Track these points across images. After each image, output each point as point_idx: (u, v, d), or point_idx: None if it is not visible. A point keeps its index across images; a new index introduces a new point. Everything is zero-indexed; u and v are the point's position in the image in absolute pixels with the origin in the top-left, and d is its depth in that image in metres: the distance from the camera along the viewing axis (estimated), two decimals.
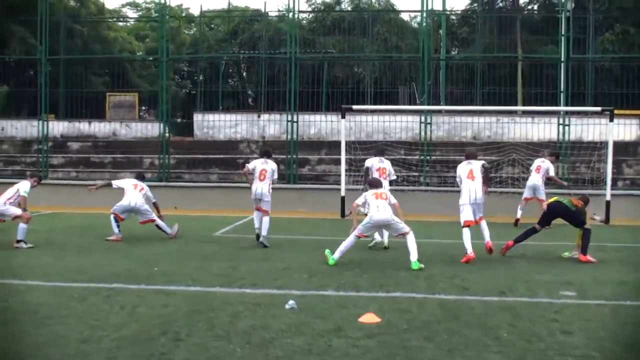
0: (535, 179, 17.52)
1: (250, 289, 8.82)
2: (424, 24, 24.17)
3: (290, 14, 24.48)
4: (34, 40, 30.27)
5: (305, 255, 11.89)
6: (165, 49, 23.41)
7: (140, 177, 14.69)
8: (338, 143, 23.34)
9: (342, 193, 19.05)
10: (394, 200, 11.40)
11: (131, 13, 49.25)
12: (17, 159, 24.75)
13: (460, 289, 9.14)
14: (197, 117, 25.68)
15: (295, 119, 22.29)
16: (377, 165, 13.61)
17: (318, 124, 24.50)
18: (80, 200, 20.90)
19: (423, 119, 22.49)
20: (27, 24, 30.28)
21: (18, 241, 12.36)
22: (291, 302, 7.85)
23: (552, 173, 17.63)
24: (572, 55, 22.86)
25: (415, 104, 28.79)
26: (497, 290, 9.03)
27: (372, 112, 24.38)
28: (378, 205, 11.16)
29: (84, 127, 26.25)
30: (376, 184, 11.90)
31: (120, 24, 43.20)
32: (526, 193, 17.70)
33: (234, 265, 10.62)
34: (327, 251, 11.27)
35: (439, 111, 24.73)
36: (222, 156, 23.44)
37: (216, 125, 25.21)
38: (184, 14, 45.56)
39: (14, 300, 7.95)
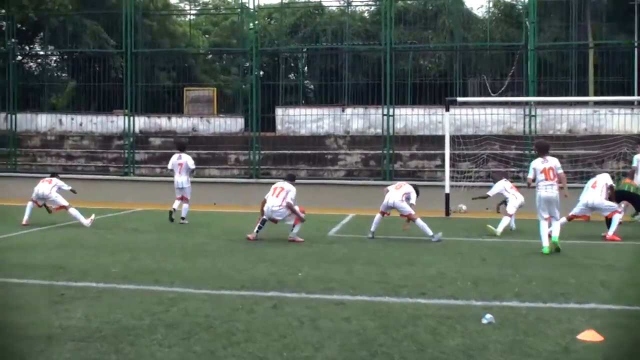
0: None
1: (424, 299, 7.92)
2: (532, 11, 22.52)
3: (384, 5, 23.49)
4: (106, 35, 29.99)
5: (450, 259, 11.01)
6: (255, 41, 22.62)
7: (290, 179, 13.58)
8: (429, 137, 22.55)
9: (447, 190, 18.14)
10: (560, 170, 11.81)
11: (188, 8, 48.74)
12: (98, 154, 24.28)
13: None
14: (279, 112, 24.91)
15: (391, 113, 21.30)
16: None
17: (405, 118, 23.46)
18: (168, 197, 20.27)
19: (527, 111, 21.30)
20: (99, 18, 29.98)
21: (182, 218, 15.36)
22: (488, 316, 6.91)
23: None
24: None
25: (488, 95, 27.60)
26: None
27: (461, 104, 23.21)
28: (546, 186, 11.66)
29: (163, 122, 25.70)
30: (543, 148, 12.09)
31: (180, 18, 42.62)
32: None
33: (382, 271, 9.73)
34: (545, 249, 11.49)
35: (527, 103, 23.60)
36: (309, 152, 22.60)
37: (298, 119, 24.39)
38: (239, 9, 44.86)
39: (177, 311, 7.15)
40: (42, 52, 32.29)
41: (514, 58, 29.03)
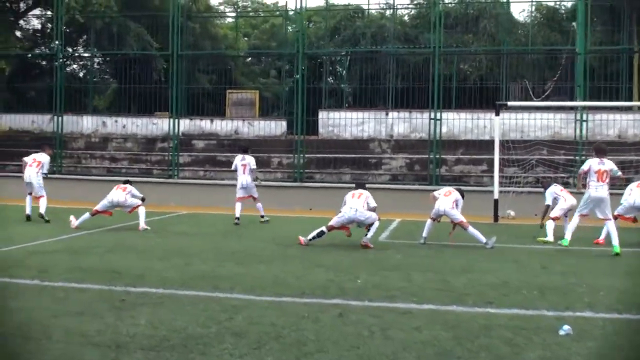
0: None
1: (492, 309, 7.65)
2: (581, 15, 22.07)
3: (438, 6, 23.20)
4: (149, 37, 30.11)
5: (509, 266, 10.76)
6: (301, 43, 22.47)
7: (361, 186, 13.67)
8: (474, 142, 22.22)
9: (496, 196, 17.82)
10: (619, 173, 12.71)
11: (233, 10, 48.82)
12: (142, 157, 24.33)
13: None
14: (322, 115, 24.73)
15: (439, 117, 20.99)
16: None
17: (450, 122, 23.07)
18: (213, 200, 20.33)
19: (578, 116, 20.85)
20: (141, 20, 30.13)
21: (262, 217, 16.51)
22: (566, 327, 6.63)
23: None
24: None
25: (531, 100, 27.12)
26: None
27: (508, 108, 22.74)
28: (597, 187, 12.10)
29: (205, 125, 25.65)
30: (601, 151, 12.71)
31: (221, 21, 42.67)
32: None
33: (442, 278, 9.49)
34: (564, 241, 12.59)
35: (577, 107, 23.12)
36: (353, 155, 22.38)
37: (341, 123, 24.19)
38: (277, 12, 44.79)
39: (242, 319, 6.99)
40: (86, 54, 32.53)
41: (556, 62, 28.60)
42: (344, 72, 39.91)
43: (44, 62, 34.06)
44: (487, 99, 27.00)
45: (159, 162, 23.87)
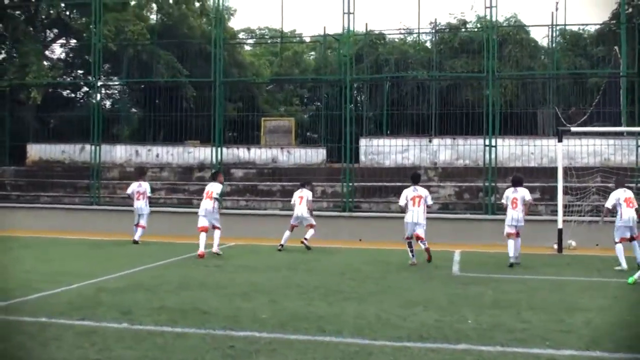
0: None
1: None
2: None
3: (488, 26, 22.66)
4: (179, 64, 29.67)
5: (615, 303, 10.24)
6: (347, 70, 21.85)
7: (416, 179, 14.53)
8: (524, 169, 21.43)
9: (560, 225, 17.06)
10: None
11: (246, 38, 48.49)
12: (179, 186, 23.63)
13: None
14: (363, 142, 24.08)
15: (494, 144, 20.26)
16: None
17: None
18: (257, 230, 19.72)
19: (632, 142, 20.18)
20: (169, 48, 29.74)
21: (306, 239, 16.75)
22: None
23: None
24: None
25: (562, 127, 26.40)
26: None
27: (572, 134, 21.83)
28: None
29: (242, 153, 25.01)
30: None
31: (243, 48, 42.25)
32: None
33: (557, 318, 8.69)
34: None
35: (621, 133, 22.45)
36: (399, 184, 21.52)
37: (384, 150, 23.53)
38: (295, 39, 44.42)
39: None
40: (117, 83, 32.11)
41: (582, 88, 28.11)
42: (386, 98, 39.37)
43: (66, 92, 33.66)
44: (518, 125, 26.54)
45: (198, 191, 22.96)
